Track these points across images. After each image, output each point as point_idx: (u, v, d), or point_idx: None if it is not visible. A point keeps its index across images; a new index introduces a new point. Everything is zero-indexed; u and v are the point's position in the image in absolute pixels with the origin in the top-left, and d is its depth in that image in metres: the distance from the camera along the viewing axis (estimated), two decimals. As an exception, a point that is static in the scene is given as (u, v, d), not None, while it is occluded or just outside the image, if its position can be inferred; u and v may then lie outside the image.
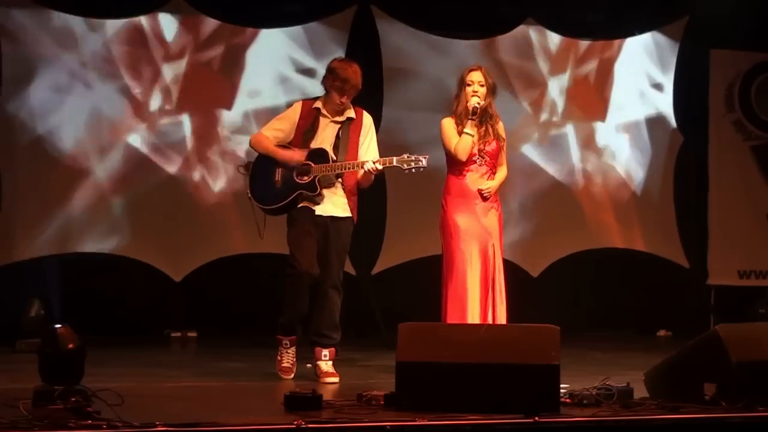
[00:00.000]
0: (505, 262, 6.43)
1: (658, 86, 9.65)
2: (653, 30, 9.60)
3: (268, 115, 8.37)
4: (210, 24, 8.61)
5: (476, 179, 6.29)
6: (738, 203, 9.73)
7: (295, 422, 4.08)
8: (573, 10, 9.30)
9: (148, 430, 3.97)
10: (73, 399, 4.26)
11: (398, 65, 9.02)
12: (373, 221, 8.31)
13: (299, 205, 6.20)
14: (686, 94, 9.67)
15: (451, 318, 6.13)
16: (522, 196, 9.17)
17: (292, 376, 6.21)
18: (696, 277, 9.64)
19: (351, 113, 6.30)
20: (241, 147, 8.45)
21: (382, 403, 4.71)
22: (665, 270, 9.58)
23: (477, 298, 6.15)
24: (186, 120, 8.59)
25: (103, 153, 8.39)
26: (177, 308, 8.57)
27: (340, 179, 6.22)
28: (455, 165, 6.31)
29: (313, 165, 6.15)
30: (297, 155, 6.18)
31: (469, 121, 6.22)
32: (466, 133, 6.22)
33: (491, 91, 6.31)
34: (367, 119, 6.37)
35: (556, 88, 9.39)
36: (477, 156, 6.28)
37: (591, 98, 9.52)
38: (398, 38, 9.00)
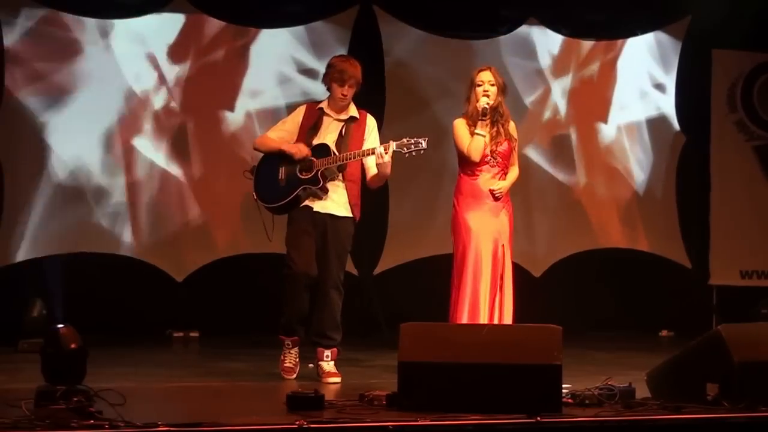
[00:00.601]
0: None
1: (660, 86, 9.65)
2: (655, 30, 9.60)
3: (270, 115, 8.41)
4: (212, 24, 8.62)
5: (488, 179, 6.31)
6: (740, 203, 9.73)
7: (297, 422, 4.09)
8: (575, 10, 9.30)
9: (150, 430, 3.97)
10: (75, 399, 4.26)
11: (400, 65, 9.02)
12: (375, 221, 8.31)
13: (301, 205, 6.19)
14: (688, 94, 9.67)
15: (462, 318, 6.13)
16: (524, 196, 9.16)
17: (295, 376, 6.21)
18: (698, 277, 9.64)
19: (354, 113, 6.31)
20: (243, 147, 8.45)
21: (384, 403, 4.71)
22: (667, 270, 9.58)
23: (487, 299, 6.16)
24: (189, 120, 8.60)
25: (105, 153, 8.40)
26: (179, 308, 8.57)
27: (342, 175, 6.20)
28: (468, 165, 6.32)
29: (315, 160, 6.15)
30: (303, 148, 6.17)
31: (481, 122, 6.23)
32: (478, 134, 6.23)
33: (501, 90, 6.32)
34: (371, 121, 6.37)
35: (559, 88, 9.39)
36: (489, 156, 6.29)
37: (593, 98, 9.52)
38: (400, 38, 9.00)
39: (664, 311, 9.50)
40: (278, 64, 8.76)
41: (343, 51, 8.45)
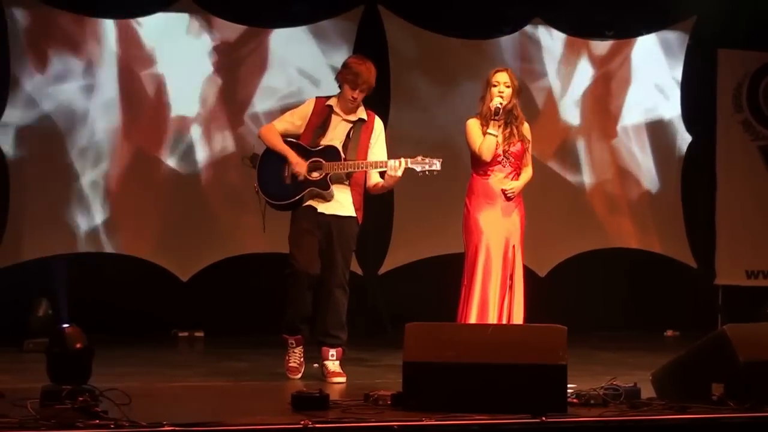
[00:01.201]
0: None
1: (665, 86, 9.64)
2: (661, 30, 9.59)
3: (275, 114, 8.38)
4: (217, 23, 8.62)
5: (500, 179, 6.31)
6: (746, 203, 9.72)
7: (302, 422, 4.08)
8: (580, 10, 9.28)
9: (155, 430, 3.97)
10: (80, 399, 4.26)
11: (405, 65, 9.01)
12: (380, 221, 8.31)
13: (305, 204, 6.19)
14: (694, 94, 9.66)
15: (471, 318, 6.14)
16: (529, 196, 9.14)
17: (300, 375, 6.20)
18: (704, 277, 9.63)
19: (363, 114, 6.30)
20: (247, 147, 8.43)
21: (389, 403, 4.71)
22: (673, 270, 9.57)
23: (496, 299, 6.16)
24: (195, 120, 8.60)
25: (112, 153, 8.41)
26: (184, 308, 8.57)
27: (347, 178, 6.21)
28: (480, 165, 6.32)
29: (324, 162, 6.15)
30: (302, 161, 6.15)
31: (493, 122, 6.23)
32: (490, 134, 6.23)
33: (517, 92, 6.33)
34: (379, 124, 6.36)
35: (563, 88, 9.38)
36: (501, 157, 6.30)
37: (597, 98, 9.51)
38: (405, 38, 9.00)
39: (669, 311, 9.49)
40: (282, 63, 8.75)
41: (348, 50, 8.47)
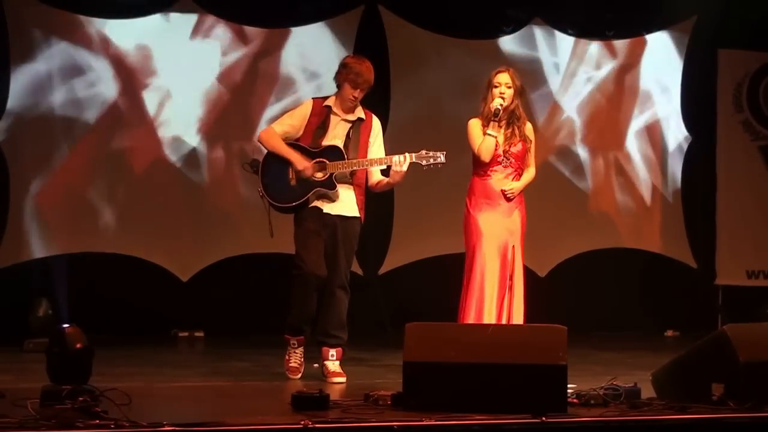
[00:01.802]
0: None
1: (666, 86, 9.64)
2: (661, 30, 9.59)
3: (274, 116, 8.38)
4: (217, 24, 8.61)
5: (501, 180, 6.30)
6: (746, 203, 9.72)
7: (302, 422, 4.08)
8: (581, 10, 9.29)
9: (155, 430, 3.97)
10: (80, 399, 4.26)
11: (405, 65, 9.02)
12: (380, 221, 8.31)
13: (310, 205, 6.19)
14: (694, 94, 9.66)
15: (469, 318, 6.14)
16: (529, 196, 9.14)
17: (300, 375, 6.20)
18: (704, 277, 9.64)
19: (361, 114, 6.30)
20: (248, 146, 8.45)
21: (389, 403, 4.70)
22: (673, 270, 9.58)
23: (494, 300, 6.16)
24: (194, 121, 8.60)
25: (112, 154, 8.41)
26: (184, 308, 8.57)
27: (350, 177, 6.21)
28: (480, 166, 6.32)
29: (328, 162, 6.15)
30: (306, 162, 6.15)
31: (493, 123, 6.22)
32: (489, 134, 6.23)
33: (518, 93, 6.32)
34: (377, 123, 6.37)
35: (564, 87, 9.38)
36: (502, 157, 6.28)
37: (597, 98, 9.51)
38: (405, 38, 9.00)
39: (669, 311, 9.49)
40: (282, 64, 8.75)
41: (349, 51, 8.47)
